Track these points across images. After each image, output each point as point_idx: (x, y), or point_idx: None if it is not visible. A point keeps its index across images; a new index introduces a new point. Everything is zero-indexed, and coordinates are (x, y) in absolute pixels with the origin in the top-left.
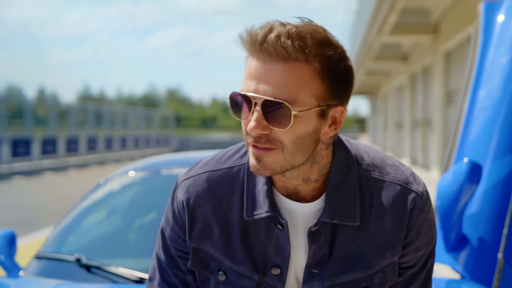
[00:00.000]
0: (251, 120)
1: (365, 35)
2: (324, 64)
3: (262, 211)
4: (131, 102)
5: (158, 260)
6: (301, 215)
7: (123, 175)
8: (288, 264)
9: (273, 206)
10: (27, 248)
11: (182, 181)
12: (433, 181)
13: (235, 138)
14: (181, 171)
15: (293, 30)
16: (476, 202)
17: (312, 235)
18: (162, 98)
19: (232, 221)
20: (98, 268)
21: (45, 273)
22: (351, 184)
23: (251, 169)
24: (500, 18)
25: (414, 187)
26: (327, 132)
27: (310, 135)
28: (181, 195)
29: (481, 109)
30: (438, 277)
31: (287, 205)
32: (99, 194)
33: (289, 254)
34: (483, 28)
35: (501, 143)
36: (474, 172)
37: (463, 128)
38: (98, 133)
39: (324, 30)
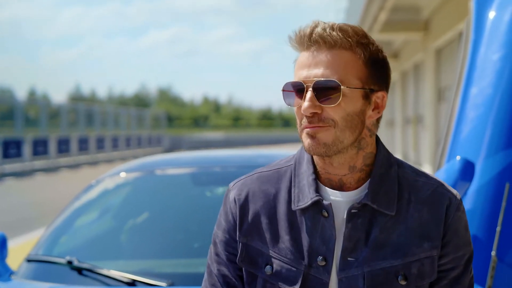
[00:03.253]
0: (305, 101)
1: None
2: (365, 51)
3: (307, 199)
4: (122, 102)
5: (210, 272)
6: (344, 203)
7: (115, 175)
8: (333, 254)
9: (318, 191)
10: (19, 250)
11: (234, 184)
12: None
13: (228, 137)
14: (175, 172)
15: (336, 24)
16: (469, 200)
17: (351, 216)
18: (153, 98)
19: (279, 214)
20: (89, 270)
21: (36, 276)
22: (392, 178)
23: (305, 149)
24: (492, 14)
25: (449, 188)
26: (371, 115)
27: (357, 115)
28: (233, 194)
29: (473, 106)
30: None
31: (332, 195)
32: (91, 195)
33: (334, 242)
34: (474, 25)
35: (494, 140)
36: (467, 170)
37: (455, 126)
38: (89, 133)
39: (362, 28)
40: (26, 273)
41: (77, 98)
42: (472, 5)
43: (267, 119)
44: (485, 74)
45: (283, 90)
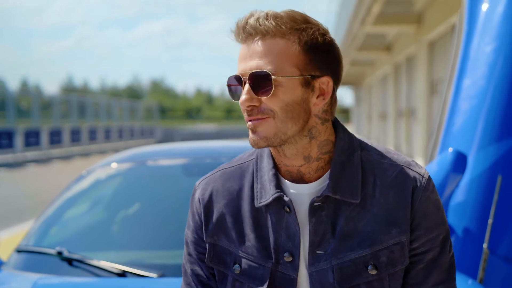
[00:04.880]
0: (242, 94)
1: (349, 25)
2: (302, 37)
3: (269, 195)
4: (115, 93)
5: (184, 272)
6: (306, 196)
7: (106, 166)
8: (300, 249)
9: (279, 187)
10: (11, 241)
11: (199, 183)
12: None
13: (221, 129)
14: (167, 162)
15: (271, 12)
16: (461, 192)
17: (314, 209)
18: (146, 89)
19: (244, 212)
20: (80, 261)
21: (26, 267)
22: (354, 165)
23: (250, 143)
24: (484, 6)
25: (415, 168)
26: (316, 103)
27: (298, 104)
28: (197, 194)
29: (465, 98)
30: None
31: (292, 188)
32: (82, 185)
33: (299, 238)
34: (467, 17)
35: (486, 132)
36: (459, 162)
37: (448, 117)
38: (81, 124)
39: (302, 13)
40: (16, 263)
41: (69, 89)
42: None
43: None
44: (478, 66)
45: (228, 85)
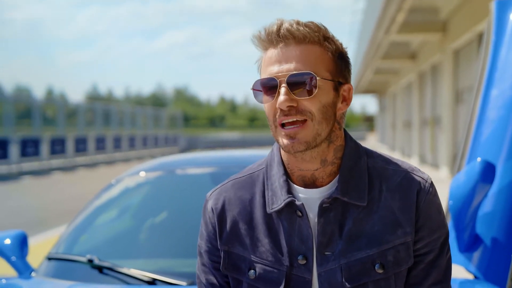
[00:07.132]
0: (280, 95)
1: (373, 34)
2: (331, 46)
3: (280, 201)
4: (139, 101)
5: (199, 282)
6: (317, 200)
7: (135, 175)
8: (313, 252)
9: (290, 193)
10: (37, 248)
11: (211, 194)
12: (442, 180)
13: (244, 137)
14: (195, 171)
15: (301, 21)
16: (490, 202)
17: (323, 210)
18: (170, 98)
19: (257, 219)
20: (110, 269)
21: (57, 274)
22: (361, 170)
23: (284, 149)
24: None
25: (419, 173)
26: (341, 107)
27: (330, 106)
28: (210, 204)
29: (493, 108)
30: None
31: (304, 193)
32: (111, 194)
33: (312, 240)
34: (495, 27)
35: None
36: (487, 172)
37: (476, 127)
38: (106, 132)
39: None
40: (46, 271)
41: (94, 97)
42: (492, 7)
43: None
44: (506, 76)
45: (254, 89)
